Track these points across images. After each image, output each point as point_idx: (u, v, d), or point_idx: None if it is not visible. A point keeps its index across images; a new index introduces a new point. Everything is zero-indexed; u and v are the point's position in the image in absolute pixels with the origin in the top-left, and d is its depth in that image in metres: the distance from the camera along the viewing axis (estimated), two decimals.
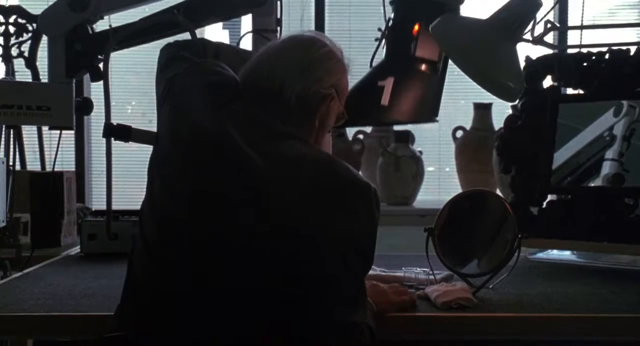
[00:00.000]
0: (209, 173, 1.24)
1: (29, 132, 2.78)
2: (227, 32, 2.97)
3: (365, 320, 1.24)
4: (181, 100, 1.37)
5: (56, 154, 2.24)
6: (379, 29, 1.90)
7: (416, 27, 1.83)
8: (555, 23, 1.86)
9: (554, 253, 2.09)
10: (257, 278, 1.18)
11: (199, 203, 1.23)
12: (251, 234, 1.19)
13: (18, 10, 2.66)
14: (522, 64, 2.01)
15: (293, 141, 1.29)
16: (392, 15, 1.89)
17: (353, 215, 1.22)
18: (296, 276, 1.18)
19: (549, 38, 1.92)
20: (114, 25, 2.07)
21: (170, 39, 2.10)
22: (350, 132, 2.90)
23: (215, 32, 3.12)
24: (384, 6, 1.90)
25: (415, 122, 2.40)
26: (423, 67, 1.84)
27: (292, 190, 1.21)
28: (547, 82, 2.13)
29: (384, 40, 1.89)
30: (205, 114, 1.30)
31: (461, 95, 3.17)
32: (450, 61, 1.89)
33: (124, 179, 3.14)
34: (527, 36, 1.70)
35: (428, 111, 1.88)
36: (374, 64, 1.91)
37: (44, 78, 2.47)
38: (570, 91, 2.18)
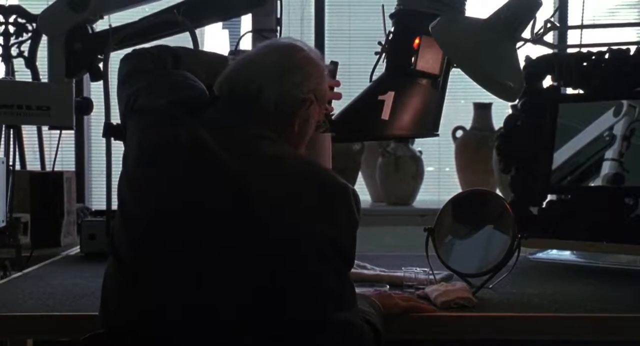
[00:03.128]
0: (183, 180, 1.23)
1: (28, 132, 2.78)
2: (226, 31, 2.96)
3: (358, 318, 1.24)
4: (148, 114, 1.35)
5: (56, 154, 2.24)
6: (379, 43, 1.89)
7: (417, 41, 1.83)
8: (555, 22, 1.86)
9: (554, 253, 2.09)
10: (240, 281, 1.17)
11: (175, 212, 1.22)
12: (231, 237, 1.18)
13: (18, 10, 2.66)
14: (522, 64, 2.01)
15: (270, 142, 1.28)
16: (392, 29, 1.89)
17: (333, 216, 1.21)
18: (279, 277, 1.17)
19: (549, 38, 1.92)
20: (113, 25, 2.07)
21: (169, 39, 2.12)
22: None
23: (215, 32, 3.13)
24: (383, 19, 1.89)
25: (416, 136, 2.41)
26: (424, 81, 1.84)
27: (271, 189, 1.20)
28: (547, 81, 2.13)
29: (384, 54, 1.89)
30: (176, 124, 1.28)
31: (461, 94, 3.17)
32: (450, 71, 1.90)
33: None
34: (527, 35, 1.70)
35: (429, 125, 1.88)
36: (373, 78, 1.91)
37: (43, 78, 2.47)
38: (570, 91, 2.18)
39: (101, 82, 2.07)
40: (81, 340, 1.26)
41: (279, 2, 2.01)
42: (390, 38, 1.88)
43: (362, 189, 3.06)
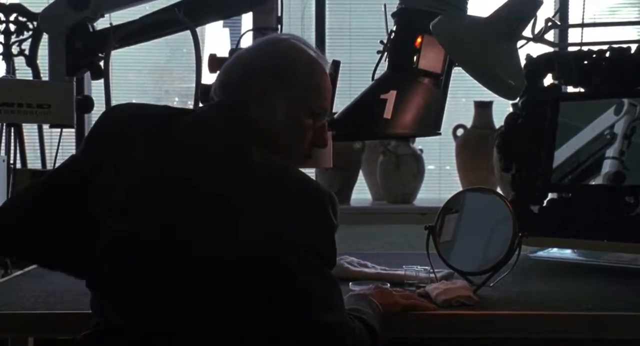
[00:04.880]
0: (152, 208, 1.21)
1: (29, 130, 2.78)
2: (227, 30, 2.97)
3: (346, 318, 1.23)
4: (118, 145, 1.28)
5: (57, 152, 2.24)
6: (381, 42, 1.89)
7: (419, 39, 1.83)
8: (556, 21, 1.86)
9: (555, 252, 2.09)
10: (220, 284, 1.16)
11: (150, 231, 1.21)
12: (208, 242, 1.16)
13: (19, 8, 2.65)
14: (523, 62, 2.01)
15: (243, 147, 1.23)
16: (394, 27, 1.89)
17: (307, 220, 1.18)
18: (259, 281, 1.15)
19: (550, 36, 1.92)
20: (114, 23, 2.07)
21: (169, 37, 2.12)
22: None
23: (215, 31, 3.13)
24: (385, 18, 1.89)
25: (418, 135, 2.39)
26: (426, 79, 1.84)
27: (243, 192, 1.17)
28: (548, 80, 2.13)
29: (385, 53, 1.89)
30: (140, 151, 1.24)
31: (462, 93, 3.17)
32: (452, 70, 1.89)
33: None
34: (528, 34, 1.70)
35: (431, 124, 1.88)
36: (375, 77, 1.91)
37: (44, 76, 2.47)
38: (570, 89, 2.18)
39: (102, 80, 2.07)
40: (78, 339, 1.26)
41: (279, 1, 2.01)
42: (392, 37, 1.87)
43: (362, 187, 3.06)
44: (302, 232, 1.17)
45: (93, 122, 3.51)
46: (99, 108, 2.18)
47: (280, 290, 1.17)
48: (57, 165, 2.29)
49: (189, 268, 1.17)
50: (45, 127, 2.66)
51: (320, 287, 1.19)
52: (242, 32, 2.04)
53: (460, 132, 2.97)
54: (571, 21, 3.18)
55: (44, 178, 1.38)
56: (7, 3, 2.67)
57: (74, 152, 3.28)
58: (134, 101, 3.38)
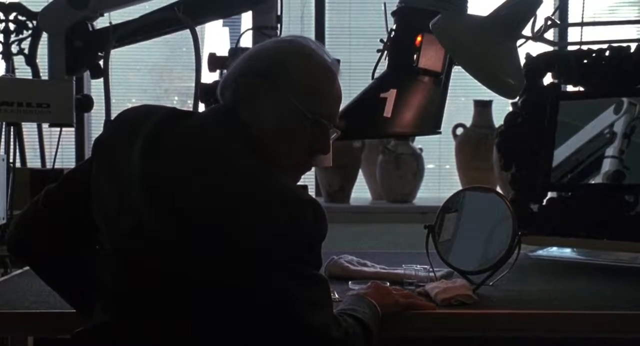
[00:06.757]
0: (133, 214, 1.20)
1: (29, 130, 2.78)
2: (227, 29, 2.97)
3: (333, 318, 1.22)
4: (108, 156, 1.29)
5: (56, 151, 2.24)
6: (381, 40, 1.89)
7: (419, 38, 1.82)
8: (556, 20, 1.86)
9: (554, 250, 2.09)
10: (203, 293, 1.15)
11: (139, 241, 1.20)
12: (184, 256, 1.16)
13: (18, 7, 2.65)
14: (523, 61, 2.01)
15: (230, 156, 1.20)
16: (394, 26, 1.89)
17: (284, 227, 1.14)
18: (242, 286, 1.14)
19: (549, 35, 1.92)
20: (114, 22, 2.07)
21: (169, 36, 2.11)
22: None
23: (215, 30, 3.13)
24: (385, 17, 1.89)
25: (418, 134, 2.39)
26: (426, 78, 1.84)
27: (220, 208, 1.15)
28: (548, 79, 2.13)
29: (385, 52, 1.89)
30: (137, 153, 1.22)
31: (461, 92, 3.17)
32: (452, 69, 1.90)
33: None
34: (528, 33, 1.70)
35: (431, 122, 1.88)
36: (375, 76, 1.91)
37: (44, 75, 2.47)
38: (570, 88, 2.18)
39: (101, 79, 2.07)
40: (71, 336, 1.27)
41: (279, 0, 2.01)
42: (392, 35, 1.87)
43: (362, 187, 3.06)
44: (281, 239, 1.14)
45: (92, 121, 3.53)
46: (98, 108, 2.19)
47: (263, 295, 1.15)
48: (56, 164, 2.32)
49: (163, 273, 1.17)
50: (45, 126, 2.66)
51: (304, 288, 1.17)
52: (242, 31, 2.04)
53: (459, 131, 2.97)
54: (571, 20, 3.18)
55: (60, 181, 1.38)
56: (7, 2, 2.67)
57: (73, 151, 3.31)
58: (133, 100, 3.40)
